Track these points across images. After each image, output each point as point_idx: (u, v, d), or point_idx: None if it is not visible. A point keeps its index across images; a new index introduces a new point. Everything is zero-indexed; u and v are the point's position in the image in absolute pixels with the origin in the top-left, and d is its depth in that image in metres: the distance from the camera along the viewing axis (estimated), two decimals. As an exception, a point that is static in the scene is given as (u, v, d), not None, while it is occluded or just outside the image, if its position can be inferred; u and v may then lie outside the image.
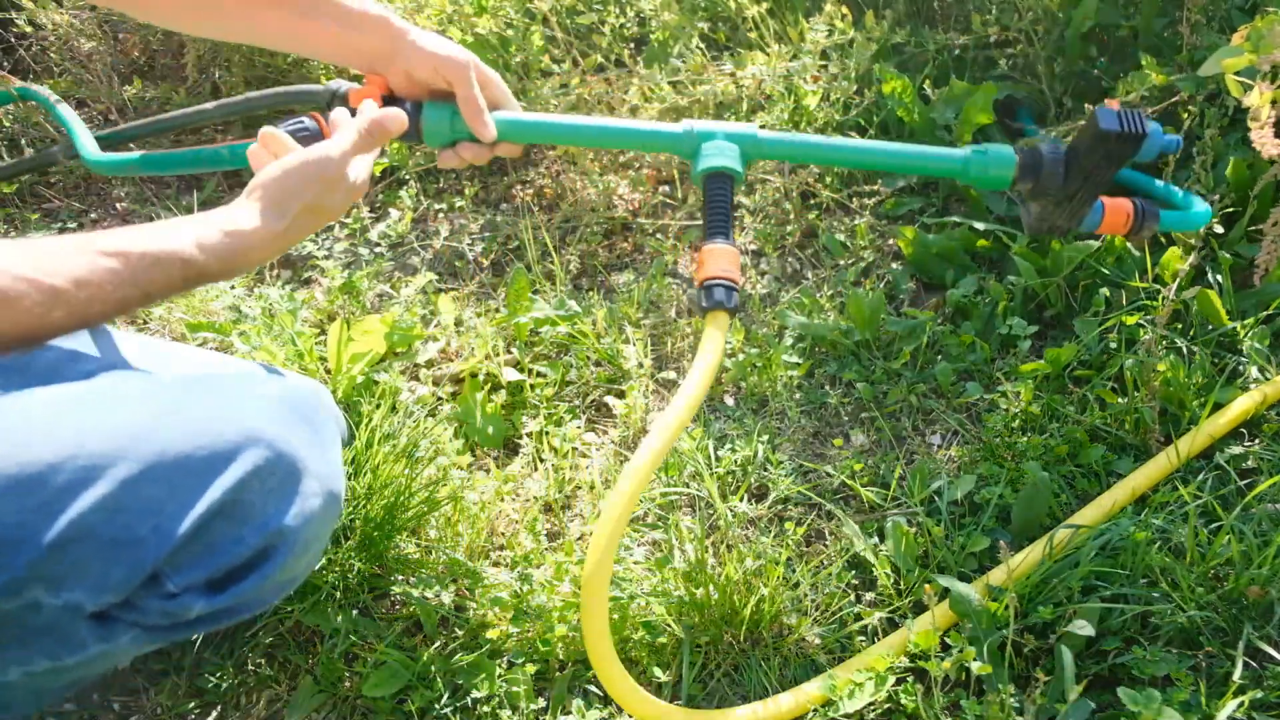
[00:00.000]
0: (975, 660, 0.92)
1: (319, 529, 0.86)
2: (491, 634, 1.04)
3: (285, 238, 0.87)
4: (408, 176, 1.69)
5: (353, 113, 1.08)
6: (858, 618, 1.07)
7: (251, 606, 0.85)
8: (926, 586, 1.01)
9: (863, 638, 1.05)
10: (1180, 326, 1.28)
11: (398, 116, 1.00)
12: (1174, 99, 1.27)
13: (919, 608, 1.07)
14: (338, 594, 1.06)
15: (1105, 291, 1.35)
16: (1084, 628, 0.97)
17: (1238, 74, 1.08)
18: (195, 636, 1.05)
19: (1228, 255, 1.31)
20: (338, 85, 1.20)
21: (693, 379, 0.98)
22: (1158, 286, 1.30)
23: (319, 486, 0.83)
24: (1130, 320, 1.28)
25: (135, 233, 0.78)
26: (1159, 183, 1.28)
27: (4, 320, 0.70)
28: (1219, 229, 1.30)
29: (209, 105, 1.34)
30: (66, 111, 1.51)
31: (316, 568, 1.04)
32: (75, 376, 0.80)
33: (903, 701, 0.97)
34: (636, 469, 0.93)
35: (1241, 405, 1.18)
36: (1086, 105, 1.40)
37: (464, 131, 1.11)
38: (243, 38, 1.13)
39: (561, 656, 1.04)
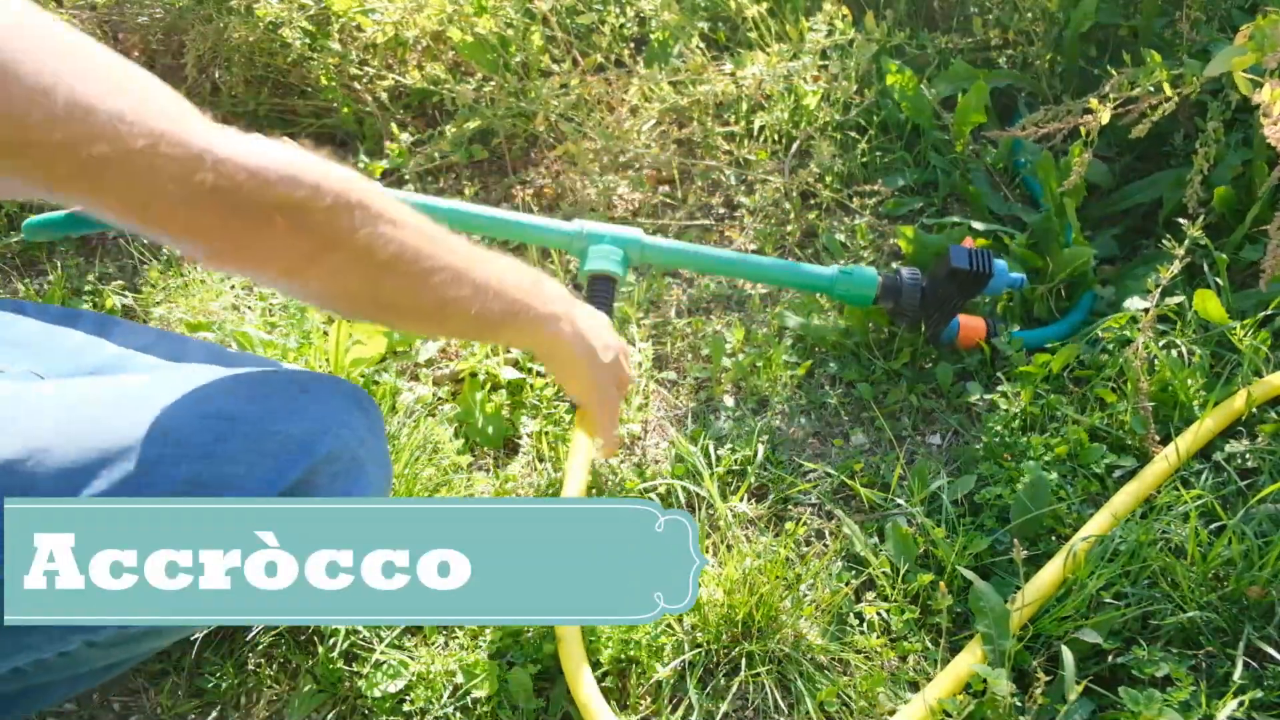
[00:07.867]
0: (997, 680, 0.92)
1: None
2: (491, 634, 1.04)
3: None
4: (407, 177, 1.69)
5: None
6: (858, 617, 1.07)
7: None
8: (941, 584, 1.01)
9: (862, 637, 1.05)
10: (1179, 325, 1.28)
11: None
12: (1178, 91, 1.27)
13: (917, 604, 1.07)
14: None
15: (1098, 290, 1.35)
16: (1091, 636, 0.97)
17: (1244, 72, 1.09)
18: (196, 636, 1.05)
19: (1224, 256, 1.31)
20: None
21: (573, 468, 1.11)
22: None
23: (377, 473, 0.87)
24: (1120, 323, 1.28)
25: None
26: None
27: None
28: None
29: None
30: None
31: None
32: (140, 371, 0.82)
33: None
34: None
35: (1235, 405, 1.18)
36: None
37: None
38: None
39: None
